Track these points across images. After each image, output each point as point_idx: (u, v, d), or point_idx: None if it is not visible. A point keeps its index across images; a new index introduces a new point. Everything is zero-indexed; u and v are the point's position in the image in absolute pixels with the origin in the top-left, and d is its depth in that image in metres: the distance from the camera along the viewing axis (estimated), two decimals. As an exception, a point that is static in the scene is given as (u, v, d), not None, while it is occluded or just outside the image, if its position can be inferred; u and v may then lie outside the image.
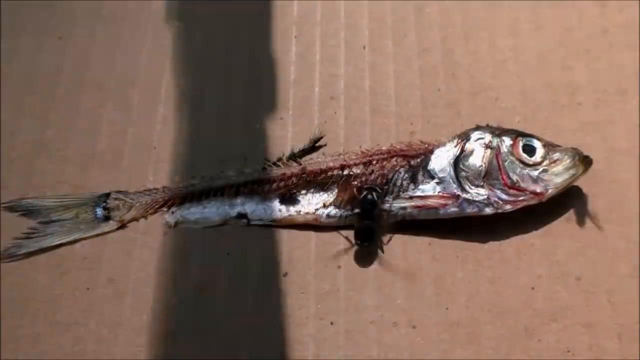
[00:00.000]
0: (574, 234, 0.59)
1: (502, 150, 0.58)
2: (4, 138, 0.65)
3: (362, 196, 0.57)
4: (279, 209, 0.61)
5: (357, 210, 0.58)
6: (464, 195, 0.57)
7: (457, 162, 0.58)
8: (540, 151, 0.58)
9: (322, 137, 0.65)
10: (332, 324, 0.56)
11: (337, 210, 0.60)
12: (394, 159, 0.60)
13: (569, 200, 0.61)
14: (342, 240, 0.59)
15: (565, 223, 0.60)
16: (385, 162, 0.60)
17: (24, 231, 0.59)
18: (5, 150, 0.64)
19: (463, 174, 0.58)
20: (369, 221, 0.57)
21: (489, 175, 0.58)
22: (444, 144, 0.60)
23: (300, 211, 0.60)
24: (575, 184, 0.60)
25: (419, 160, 0.60)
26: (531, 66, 0.69)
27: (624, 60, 0.69)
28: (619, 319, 0.55)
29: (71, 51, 0.71)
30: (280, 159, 0.63)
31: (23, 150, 0.65)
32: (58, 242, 0.59)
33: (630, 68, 0.68)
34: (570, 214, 0.60)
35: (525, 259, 0.58)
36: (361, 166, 0.60)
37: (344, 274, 0.58)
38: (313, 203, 0.60)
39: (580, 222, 0.60)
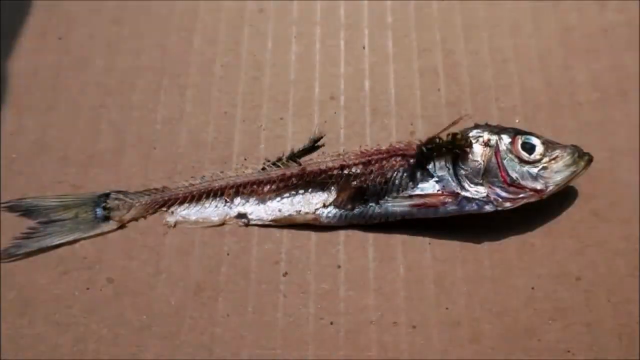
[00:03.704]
0: (574, 234, 0.59)
1: (501, 148, 0.58)
2: (4, 138, 0.65)
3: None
4: (279, 209, 0.61)
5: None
6: (464, 194, 0.57)
7: (456, 161, 0.58)
8: (539, 148, 0.58)
9: (322, 137, 0.65)
10: (332, 324, 0.56)
11: (337, 210, 0.60)
12: (393, 158, 0.60)
13: (569, 200, 0.61)
14: (342, 240, 0.59)
15: (565, 223, 0.60)
16: (384, 162, 0.60)
17: (24, 231, 0.59)
18: (5, 150, 0.64)
19: (462, 172, 0.58)
20: None
21: (488, 173, 0.58)
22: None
23: (300, 211, 0.60)
24: (575, 183, 0.60)
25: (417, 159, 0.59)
26: (531, 66, 0.69)
27: (624, 60, 0.69)
28: (619, 319, 0.55)
29: (71, 51, 0.71)
30: (280, 159, 0.63)
31: (23, 150, 0.64)
32: (58, 242, 0.59)
33: (631, 68, 0.68)
34: (571, 214, 0.60)
35: (525, 259, 0.58)
36: (361, 166, 0.60)
37: (344, 274, 0.58)
38: (313, 203, 0.60)
39: (580, 222, 0.60)
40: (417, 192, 0.59)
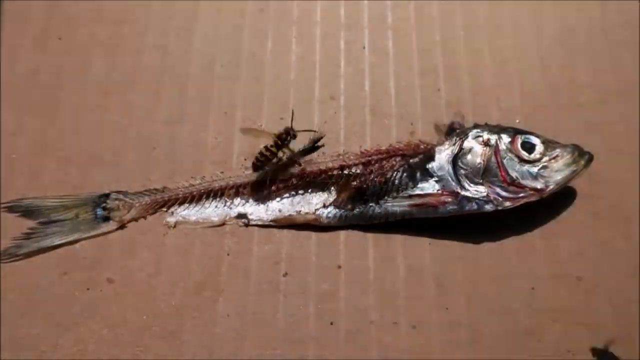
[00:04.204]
0: (574, 234, 0.59)
1: (500, 148, 0.58)
2: (4, 138, 0.65)
3: None
4: (279, 209, 0.61)
5: None
6: (463, 193, 0.57)
7: (456, 160, 0.58)
8: (539, 148, 0.58)
9: (322, 137, 0.65)
10: (332, 324, 0.56)
11: (337, 210, 0.60)
12: (393, 158, 0.60)
13: (569, 200, 0.61)
14: (342, 240, 0.59)
15: (565, 223, 0.60)
16: (384, 162, 0.60)
17: (24, 231, 0.59)
18: (5, 150, 0.64)
19: (462, 171, 0.58)
20: None
21: (488, 173, 0.58)
22: (442, 143, 0.60)
23: (300, 211, 0.60)
24: (575, 183, 0.60)
25: (417, 159, 0.60)
26: (531, 66, 0.69)
27: (624, 60, 0.69)
28: (619, 319, 0.55)
29: (72, 51, 0.71)
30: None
31: (23, 150, 0.65)
32: (58, 242, 0.59)
33: (631, 68, 0.68)
34: (571, 214, 0.60)
35: (526, 259, 0.58)
36: (360, 166, 0.60)
37: (344, 274, 0.58)
38: (313, 203, 0.60)
39: (580, 222, 0.60)
40: (417, 192, 0.59)
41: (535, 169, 0.58)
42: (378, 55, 0.70)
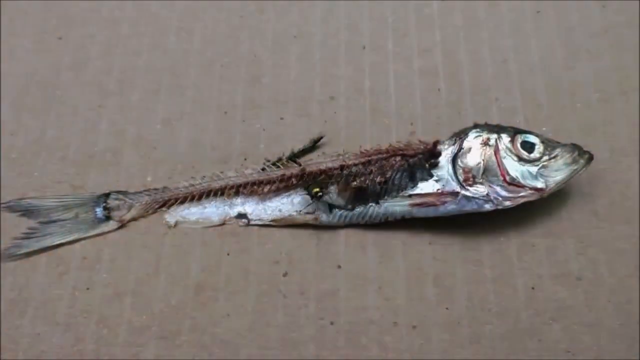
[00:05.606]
0: (574, 234, 0.59)
1: (500, 147, 0.58)
2: (4, 138, 0.65)
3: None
4: (279, 209, 0.61)
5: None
6: (463, 192, 0.57)
7: (456, 160, 0.58)
8: (539, 147, 0.58)
9: (322, 137, 0.65)
10: (332, 324, 0.56)
11: (337, 210, 0.60)
12: (393, 158, 0.60)
13: (569, 200, 0.61)
14: (342, 240, 0.59)
15: (565, 223, 0.60)
16: (384, 162, 0.60)
17: (24, 231, 0.59)
18: (5, 150, 0.64)
19: (462, 171, 0.58)
20: None
21: (488, 172, 0.58)
22: (442, 143, 0.60)
23: (300, 211, 0.60)
24: (575, 183, 0.60)
25: (417, 159, 0.60)
26: (532, 66, 0.69)
27: (625, 60, 0.69)
28: (619, 319, 0.55)
29: (71, 51, 0.71)
30: (280, 159, 0.63)
31: (23, 150, 0.65)
32: (58, 242, 0.59)
33: (631, 68, 0.68)
34: (571, 214, 0.60)
35: (526, 258, 0.58)
36: (360, 166, 0.60)
37: (344, 274, 0.58)
38: (313, 203, 0.60)
39: (580, 222, 0.60)
40: (417, 191, 0.59)
41: (535, 169, 0.58)
42: (378, 55, 0.70)
